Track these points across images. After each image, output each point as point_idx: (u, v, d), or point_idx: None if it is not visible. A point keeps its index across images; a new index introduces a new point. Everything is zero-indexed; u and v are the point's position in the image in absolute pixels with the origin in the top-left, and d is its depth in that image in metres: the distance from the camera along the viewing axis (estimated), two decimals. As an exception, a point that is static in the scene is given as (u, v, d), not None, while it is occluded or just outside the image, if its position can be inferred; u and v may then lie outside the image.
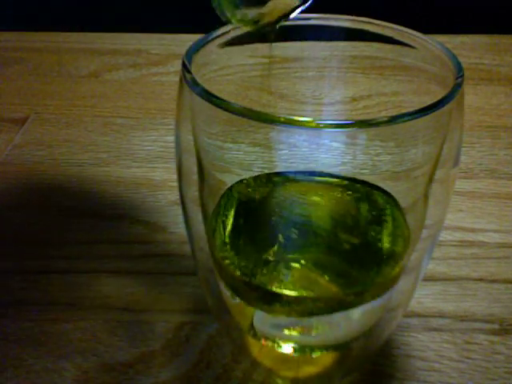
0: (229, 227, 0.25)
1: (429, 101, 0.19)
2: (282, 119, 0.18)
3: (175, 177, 0.25)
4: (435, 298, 0.31)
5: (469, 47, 0.56)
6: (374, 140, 0.20)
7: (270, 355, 0.27)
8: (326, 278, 0.25)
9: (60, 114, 0.47)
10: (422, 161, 0.22)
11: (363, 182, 0.26)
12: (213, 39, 0.23)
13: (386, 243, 0.25)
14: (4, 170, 0.40)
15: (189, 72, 0.21)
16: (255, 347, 0.28)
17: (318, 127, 0.19)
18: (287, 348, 0.26)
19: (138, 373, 0.27)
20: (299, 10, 0.24)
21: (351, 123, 0.19)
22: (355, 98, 0.28)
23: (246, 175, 0.26)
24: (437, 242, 0.25)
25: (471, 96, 0.48)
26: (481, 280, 0.32)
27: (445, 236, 0.34)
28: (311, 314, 0.24)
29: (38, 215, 0.36)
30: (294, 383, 0.27)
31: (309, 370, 0.27)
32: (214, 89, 0.20)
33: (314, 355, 0.27)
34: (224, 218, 0.25)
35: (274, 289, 0.24)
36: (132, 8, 0.74)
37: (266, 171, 0.27)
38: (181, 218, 0.25)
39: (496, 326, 0.29)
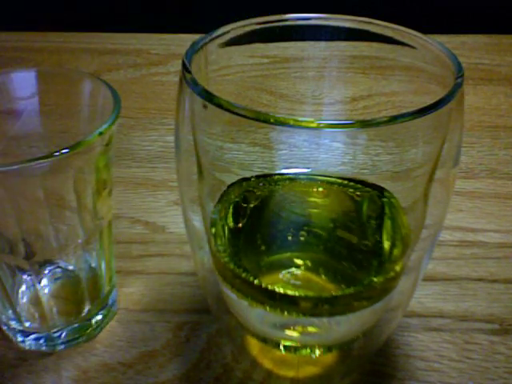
0: (228, 227, 0.25)
1: (429, 101, 0.19)
2: (282, 119, 0.18)
3: (175, 177, 0.25)
4: (435, 298, 0.31)
5: (469, 47, 0.56)
6: (374, 140, 0.20)
7: (269, 355, 0.27)
8: (327, 278, 0.25)
9: (60, 114, 0.46)
10: (422, 161, 0.22)
11: (363, 182, 0.26)
12: (213, 39, 0.23)
13: (386, 243, 0.25)
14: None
15: (189, 72, 0.21)
16: (255, 347, 0.28)
17: (318, 127, 0.19)
18: (287, 348, 0.26)
19: (138, 373, 0.27)
20: None
21: (351, 123, 0.19)
22: (355, 98, 0.28)
23: (246, 175, 0.26)
24: (437, 242, 0.25)
25: (471, 96, 0.48)
26: (481, 280, 0.32)
27: (445, 236, 0.34)
28: (311, 314, 0.24)
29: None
30: (294, 383, 0.27)
31: (309, 370, 0.27)
32: (213, 89, 0.20)
33: (314, 355, 0.27)
34: (224, 218, 0.25)
35: (274, 288, 0.24)
36: (132, 8, 0.74)
37: (266, 171, 0.27)
38: (181, 218, 0.25)
39: (496, 326, 0.29)
